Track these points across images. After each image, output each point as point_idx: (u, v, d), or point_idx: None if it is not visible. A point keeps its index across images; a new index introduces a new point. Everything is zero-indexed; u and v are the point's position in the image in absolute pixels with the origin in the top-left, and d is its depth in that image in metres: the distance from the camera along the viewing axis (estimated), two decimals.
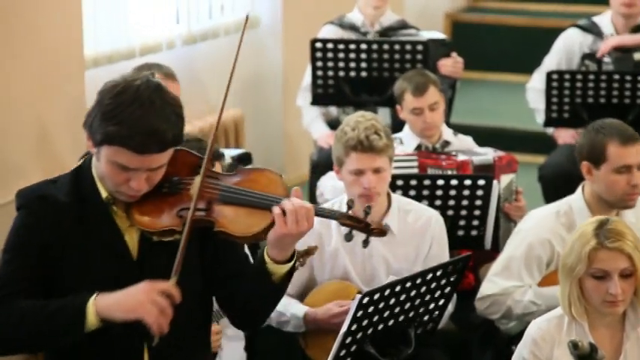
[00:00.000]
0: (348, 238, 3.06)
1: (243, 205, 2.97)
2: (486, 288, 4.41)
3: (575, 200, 4.40)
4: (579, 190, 4.41)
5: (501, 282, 4.38)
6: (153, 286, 2.86)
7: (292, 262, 3.00)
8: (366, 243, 3.05)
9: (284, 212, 2.90)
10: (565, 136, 6.17)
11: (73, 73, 5.68)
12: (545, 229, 4.37)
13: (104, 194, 2.99)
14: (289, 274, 3.01)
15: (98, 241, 2.98)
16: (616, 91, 5.70)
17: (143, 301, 2.82)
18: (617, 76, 5.68)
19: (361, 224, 3.03)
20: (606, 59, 6.01)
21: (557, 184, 5.70)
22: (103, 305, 2.86)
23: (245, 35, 7.36)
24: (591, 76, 5.72)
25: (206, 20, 6.90)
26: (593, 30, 6.21)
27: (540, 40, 8.49)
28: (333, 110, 6.34)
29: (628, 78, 5.66)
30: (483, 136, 5.91)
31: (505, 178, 4.92)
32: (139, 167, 2.89)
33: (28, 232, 2.97)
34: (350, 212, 3.04)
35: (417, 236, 4.26)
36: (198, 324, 3.13)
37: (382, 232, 3.04)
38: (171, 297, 2.85)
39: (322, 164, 5.95)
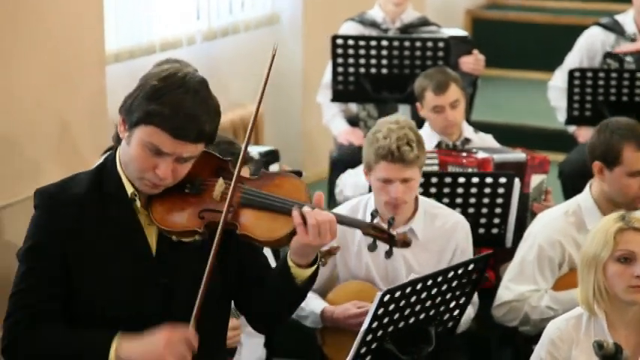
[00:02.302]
0: (372, 248, 3.07)
1: (266, 209, 2.95)
2: (502, 295, 4.41)
3: (584, 199, 4.39)
4: (587, 189, 4.40)
5: (516, 287, 4.37)
6: (173, 336, 2.87)
7: (315, 266, 2.99)
8: (389, 254, 3.05)
9: (305, 222, 2.89)
10: (586, 134, 6.12)
11: (94, 68, 5.70)
12: (554, 230, 4.36)
13: (129, 190, 2.98)
14: (312, 277, 3.00)
15: (118, 236, 2.97)
16: (638, 89, 5.67)
17: (164, 354, 2.85)
18: (639, 74, 5.65)
19: (385, 235, 3.00)
20: (628, 58, 5.97)
21: (576, 181, 5.66)
22: (125, 353, 2.88)
23: (265, 31, 7.42)
24: (614, 75, 5.69)
25: (226, 16, 6.91)
26: (616, 29, 6.18)
27: (561, 37, 8.46)
28: (353, 107, 6.32)
29: None
30: (503, 134, 5.90)
31: (536, 178, 4.90)
32: (171, 152, 2.87)
33: (45, 232, 2.97)
34: (374, 222, 3.02)
35: (442, 242, 4.24)
36: (216, 326, 3.12)
37: (406, 243, 3.00)
38: (190, 345, 2.87)
39: (342, 161, 5.95)
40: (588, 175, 4.99)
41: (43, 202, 3.00)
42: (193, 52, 6.40)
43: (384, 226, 3.01)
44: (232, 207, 2.93)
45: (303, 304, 4.05)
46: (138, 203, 2.99)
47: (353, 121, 6.26)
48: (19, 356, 2.96)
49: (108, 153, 4.69)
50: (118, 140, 3.03)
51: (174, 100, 2.85)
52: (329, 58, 6.12)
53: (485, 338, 4.87)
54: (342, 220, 3.02)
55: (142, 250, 2.99)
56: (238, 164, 2.96)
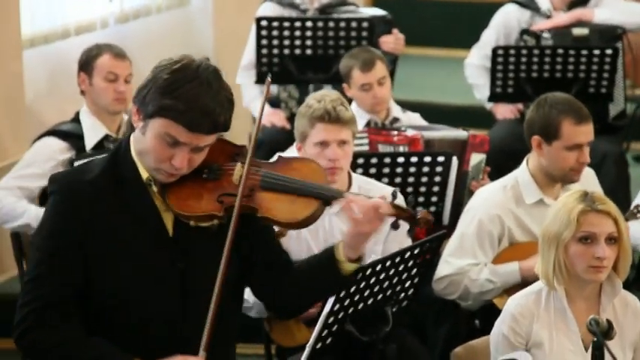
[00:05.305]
0: (396, 226, 3.08)
1: (287, 192, 2.98)
2: (442, 269, 4.46)
3: (521, 174, 4.47)
4: (524, 163, 4.48)
5: (456, 261, 4.43)
6: None
7: (361, 260, 3.08)
8: (410, 232, 3.15)
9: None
10: (504, 110, 6.24)
11: (11, 54, 5.60)
12: (493, 205, 4.42)
13: (144, 175, 2.99)
14: (356, 270, 3.09)
15: (135, 219, 2.97)
16: (559, 66, 5.79)
17: None
18: (560, 51, 5.77)
19: (406, 214, 3.05)
20: (545, 35, 6.09)
21: (499, 160, 5.76)
22: None
23: (176, 13, 7.33)
24: (536, 52, 5.80)
25: None
26: (531, 5, 6.27)
27: (463, 15, 8.58)
28: (274, 88, 6.30)
29: (571, 52, 5.76)
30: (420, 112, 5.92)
31: (476, 157, 4.96)
32: (187, 142, 2.89)
33: (62, 218, 2.95)
34: (395, 201, 3.05)
35: None
36: (231, 314, 3.13)
37: (428, 222, 3.05)
38: None
39: (264, 142, 5.92)
40: (510, 154, 5.09)
41: (60, 187, 2.98)
42: (107, 35, 6.31)
43: (406, 206, 3.08)
44: (252, 190, 2.96)
45: (246, 296, 4.04)
46: (154, 188, 2.99)
47: (274, 102, 6.23)
48: (33, 347, 2.95)
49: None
50: (131, 128, 3.02)
51: (188, 94, 2.86)
52: (241, 39, 6.08)
53: (420, 313, 4.91)
54: None
55: (160, 232, 2.99)
56: (250, 149, 2.98)
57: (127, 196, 2.98)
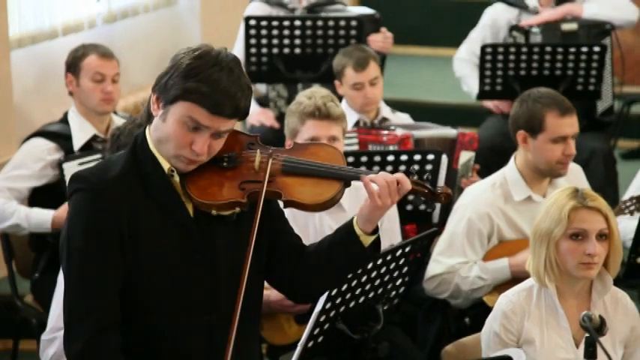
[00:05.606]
0: (415, 202, 3.11)
1: (307, 175, 3.02)
2: (432, 268, 4.47)
3: (509, 171, 4.49)
4: (512, 160, 4.50)
5: (446, 260, 4.44)
6: None
7: (377, 232, 3.09)
8: (431, 208, 3.17)
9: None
10: (488, 103, 6.25)
11: None
12: (482, 203, 4.44)
13: (166, 166, 3.01)
14: (375, 242, 3.09)
15: (162, 212, 3.00)
16: (547, 63, 5.81)
17: None
18: (548, 49, 5.79)
19: (426, 190, 3.07)
20: (534, 30, 6.11)
21: (487, 158, 5.78)
22: None
23: (163, 12, 7.32)
24: (524, 49, 5.82)
25: None
26: (518, 3, 6.29)
27: (448, 13, 8.60)
28: (262, 88, 6.30)
29: (559, 50, 5.77)
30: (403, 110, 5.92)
31: (465, 155, 4.96)
32: (209, 126, 2.93)
33: (98, 217, 2.96)
34: (414, 178, 3.08)
35: None
36: (255, 304, 3.14)
37: (448, 196, 3.07)
38: None
39: None
40: (498, 152, 5.08)
41: (89, 186, 2.98)
42: (95, 35, 6.32)
43: (426, 183, 3.07)
44: (273, 176, 2.99)
45: None
46: (176, 178, 3.02)
47: (262, 101, 6.24)
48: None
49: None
50: (147, 119, 3.03)
51: (210, 77, 2.90)
52: (229, 38, 6.06)
53: (410, 312, 4.92)
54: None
55: (186, 223, 3.02)
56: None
57: (151, 189, 3.01)
